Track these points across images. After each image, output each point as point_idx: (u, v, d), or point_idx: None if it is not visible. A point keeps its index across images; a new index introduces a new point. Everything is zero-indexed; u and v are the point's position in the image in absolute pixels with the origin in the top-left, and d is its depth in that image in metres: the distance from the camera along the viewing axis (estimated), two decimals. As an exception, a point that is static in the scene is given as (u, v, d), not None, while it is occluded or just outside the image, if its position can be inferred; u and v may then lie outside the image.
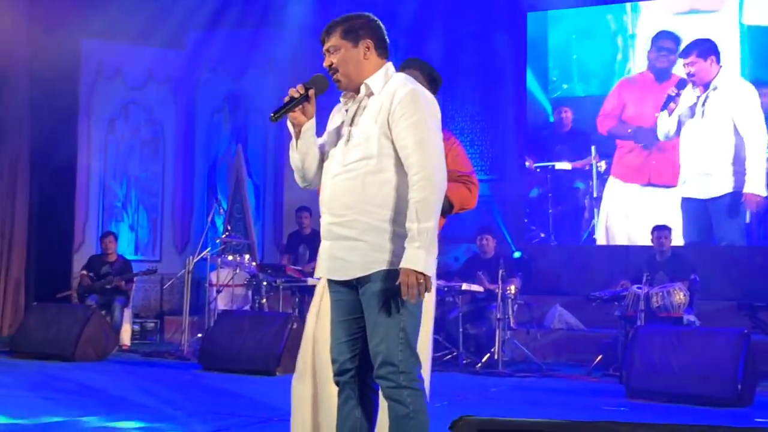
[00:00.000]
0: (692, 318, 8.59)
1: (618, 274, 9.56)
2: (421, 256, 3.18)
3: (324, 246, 3.43)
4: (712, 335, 7.12)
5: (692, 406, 6.72)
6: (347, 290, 3.38)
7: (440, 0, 12.34)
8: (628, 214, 11.32)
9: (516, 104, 12.09)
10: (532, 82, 11.99)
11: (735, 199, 10.79)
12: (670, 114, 11.12)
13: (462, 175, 4.09)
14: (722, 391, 6.73)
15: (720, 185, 10.85)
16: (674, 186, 11.10)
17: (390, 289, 3.23)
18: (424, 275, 3.17)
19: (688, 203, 11.03)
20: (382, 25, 3.49)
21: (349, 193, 3.32)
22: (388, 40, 3.49)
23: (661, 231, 9.25)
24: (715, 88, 10.91)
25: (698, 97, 10.99)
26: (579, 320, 10.14)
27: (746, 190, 10.72)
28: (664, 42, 11.36)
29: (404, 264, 3.19)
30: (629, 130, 11.38)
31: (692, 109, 11.02)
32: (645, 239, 9.93)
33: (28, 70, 11.86)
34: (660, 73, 11.31)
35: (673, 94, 11.11)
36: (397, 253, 3.24)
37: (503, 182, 11.96)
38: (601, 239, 11.50)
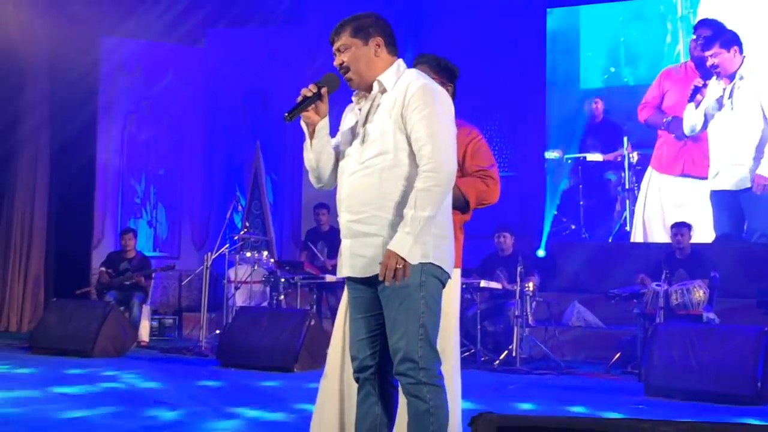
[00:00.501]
0: (712, 315, 8.55)
1: (637, 272, 9.52)
2: (407, 242, 3.19)
3: (344, 244, 3.43)
4: (732, 333, 7.08)
5: (711, 403, 6.69)
6: (365, 287, 3.39)
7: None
8: (664, 205, 11.23)
9: (534, 99, 12.05)
10: (561, 74, 11.94)
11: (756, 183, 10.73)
12: (696, 107, 11.03)
13: (480, 169, 4.06)
14: (741, 388, 6.70)
15: (750, 175, 10.77)
16: (706, 178, 11.04)
17: (409, 284, 3.23)
18: (405, 261, 3.18)
19: (718, 196, 10.94)
20: (389, 22, 3.50)
21: (367, 189, 3.33)
22: (395, 37, 3.50)
23: (678, 228, 9.20)
24: (741, 78, 10.82)
25: (724, 89, 10.90)
26: (597, 317, 10.11)
27: (759, 171, 10.66)
28: (705, 30, 11.26)
29: (389, 246, 3.21)
30: (665, 120, 11.31)
31: (719, 102, 10.92)
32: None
33: (49, 67, 11.94)
34: (702, 63, 11.22)
35: (700, 85, 11.02)
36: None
37: (522, 178, 11.92)
38: (638, 230, 11.40)
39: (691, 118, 11.06)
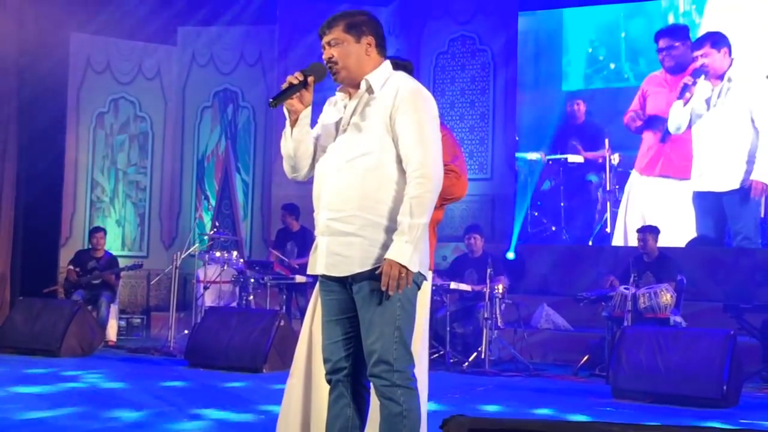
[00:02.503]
0: (679, 319, 8.62)
1: (606, 275, 9.57)
2: (408, 251, 3.18)
3: (321, 242, 3.40)
4: (699, 336, 7.13)
5: (678, 406, 6.74)
6: (340, 289, 3.37)
7: (430, 1, 12.33)
8: (645, 205, 11.25)
9: (505, 103, 12.07)
10: (543, 76, 11.96)
11: (748, 188, 10.73)
12: (685, 104, 11.02)
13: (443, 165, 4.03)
14: (708, 391, 6.76)
15: (735, 177, 10.77)
16: (688, 178, 11.06)
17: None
18: (407, 270, 3.18)
19: (701, 197, 10.96)
20: (380, 23, 3.49)
21: (349, 188, 3.31)
22: (385, 38, 3.50)
23: (643, 233, 9.24)
24: (729, 80, 10.84)
25: (712, 90, 10.91)
26: (566, 320, 10.16)
27: (753, 177, 10.64)
28: (665, 41, 11.31)
29: (389, 255, 3.19)
30: (644, 119, 11.36)
31: (707, 102, 10.93)
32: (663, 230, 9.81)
33: (17, 63, 11.81)
34: (672, 69, 11.26)
35: (690, 83, 11.01)
36: None
37: (493, 180, 11.95)
38: (618, 232, 11.41)
39: (678, 116, 11.07)
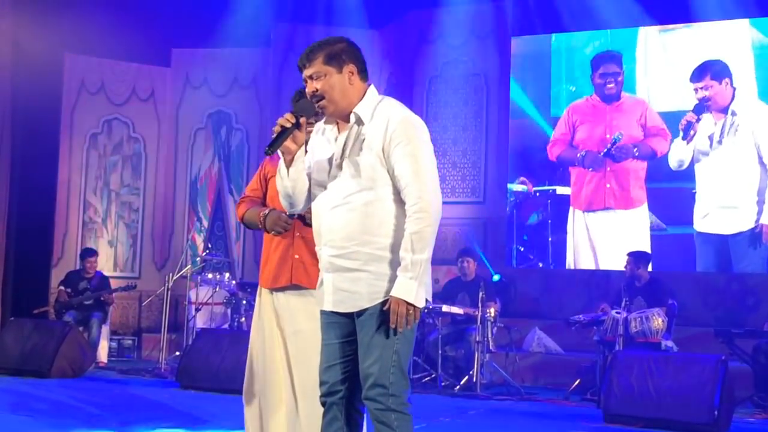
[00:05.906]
0: (670, 344, 8.63)
1: (597, 299, 9.58)
2: (413, 288, 3.20)
3: (326, 278, 3.39)
4: (690, 361, 7.15)
5: (669, 431, 6.74)
6: (342, 314, 3.37)
7: (424, 25, 12.40)
8: (594, 240, 11.12)
9: (498, 127, 12.10)
10: (532, 102, 11.92)
11: (758, 232, 10.27)
12: (688, 142, 10.54)
13: None
14: (699, 416, 6.76)
15: (745, 219, 10.30)
16: (632, 208, 10.85)
17: (386, 312, 3.23)
18: (414, 306, 3.20)
19: (707, 238, 10.53)
20: (359, 47, 3.46)
21: (348, 224, 3.30)
22: (365, 62, 3.46)
23: (629, 257, 9.25)
24: (734, 114, 10.37)
25: (715, 124, 10.42)
26: (558, 344, 10.17)
27: (763, 220, 10.22)
28: (608, 66, 11.16)
29: (395, 293, 3.20)
30: (579, 155, 11.17)
31: (710, 138, 10.40)
32: (613, 264, 9.69)
33: (10, 83, 11.82)
34: (608, 97, 11.13)
35: (693, 120, 10.49)
36: None
37: (485, 205, 11.96)
38: (605, 265, 11.17)
39: (679, 153, 10.61)
